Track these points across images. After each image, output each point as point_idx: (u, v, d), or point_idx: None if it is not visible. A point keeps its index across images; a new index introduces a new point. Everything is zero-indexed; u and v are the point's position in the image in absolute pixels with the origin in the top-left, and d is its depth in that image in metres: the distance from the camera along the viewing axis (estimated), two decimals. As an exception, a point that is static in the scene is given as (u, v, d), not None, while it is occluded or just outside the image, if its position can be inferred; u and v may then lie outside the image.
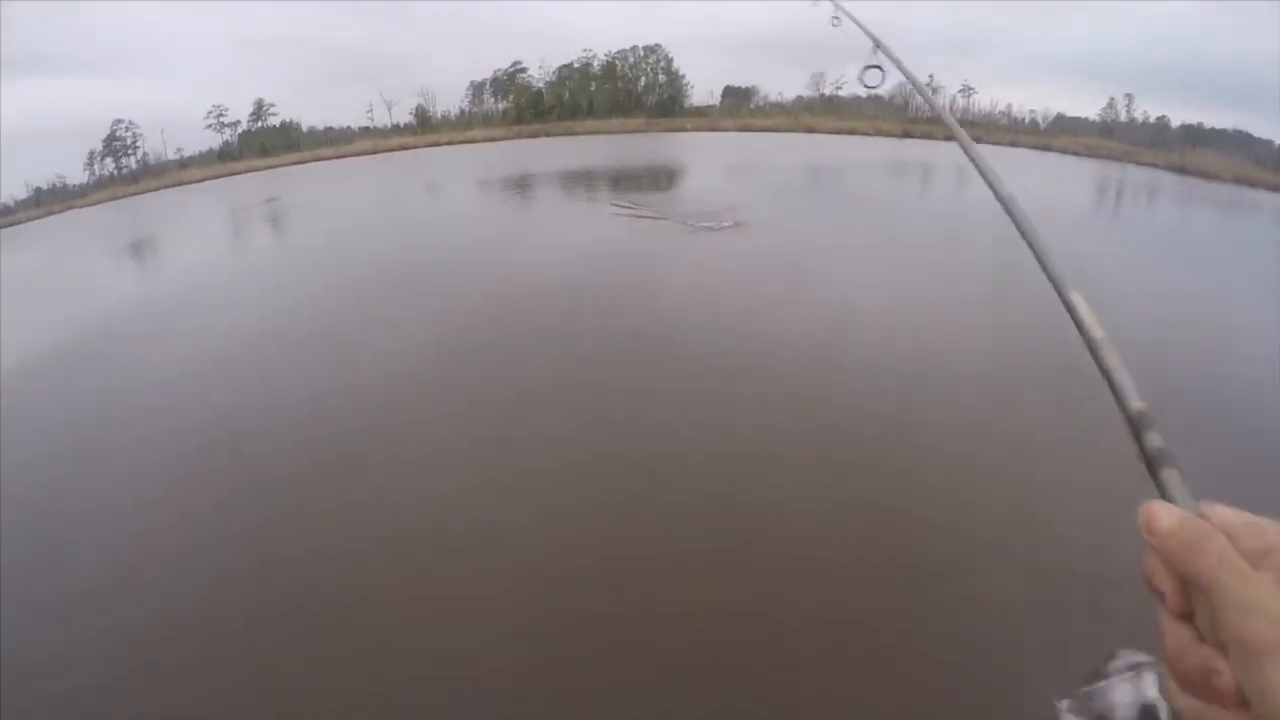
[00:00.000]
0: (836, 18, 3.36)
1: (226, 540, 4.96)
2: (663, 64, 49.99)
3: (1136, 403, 0.76)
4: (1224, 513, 0.52)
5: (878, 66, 2.47)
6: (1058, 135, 44.28)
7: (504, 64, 48.54)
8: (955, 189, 24.73)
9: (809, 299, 10.11)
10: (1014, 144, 41.64)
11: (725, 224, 14.13)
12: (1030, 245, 1.05)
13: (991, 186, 1.23)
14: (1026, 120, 48.68)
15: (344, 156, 37.90)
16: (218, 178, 36.99)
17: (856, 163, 30.26)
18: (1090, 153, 40.06)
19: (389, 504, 5.22)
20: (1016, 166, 32.34)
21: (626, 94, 48.71)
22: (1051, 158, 38.02)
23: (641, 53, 49.60)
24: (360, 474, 5.69)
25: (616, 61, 49.56)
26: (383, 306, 9.98)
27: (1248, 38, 54.02)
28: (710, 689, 3.57)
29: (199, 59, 58.46)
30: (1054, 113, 49.07)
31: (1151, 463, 0.68)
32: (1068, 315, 0.91)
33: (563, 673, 3.72)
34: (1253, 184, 32.00)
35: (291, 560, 4.66)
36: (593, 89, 48.40)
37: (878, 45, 2.29)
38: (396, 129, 44.93)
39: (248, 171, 37.05)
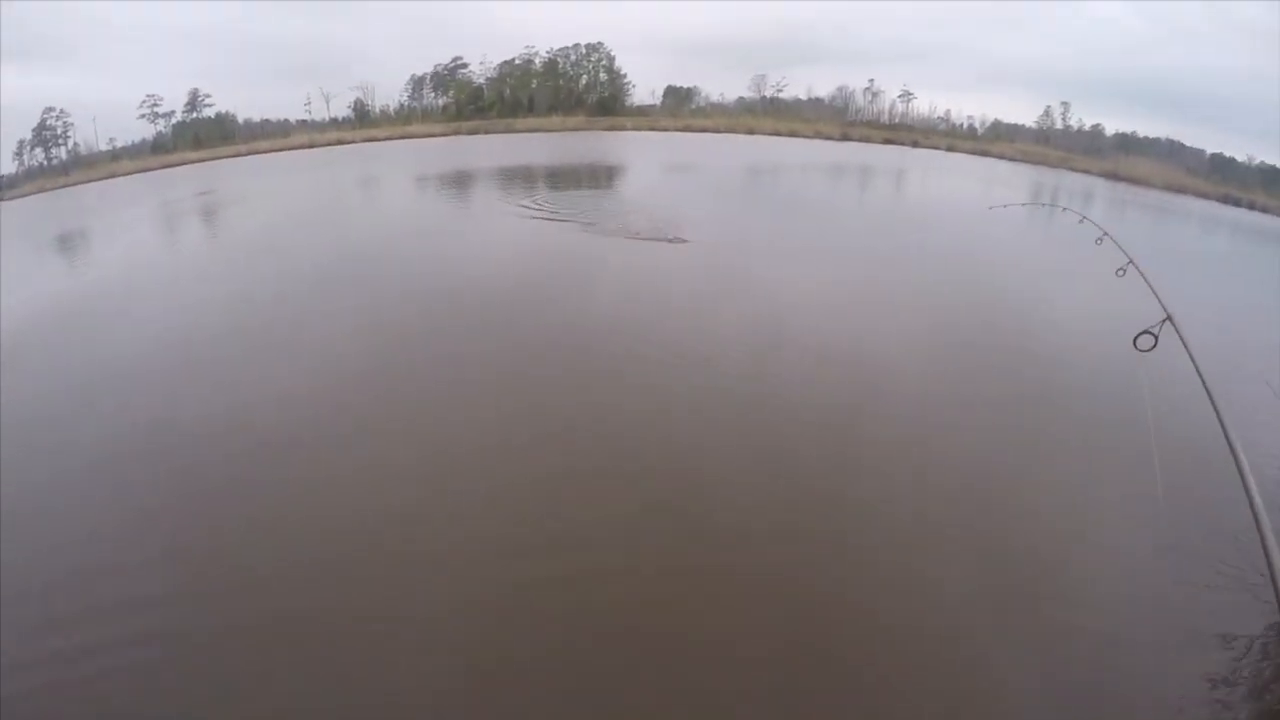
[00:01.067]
0: (1122, 270, 3.95)
1: (155, 543, 4.71)
2: (605, 62, 50.13)
3: None
4: None
5: (1155, 334, 2.94)
6: (995, 141, 46.07)
7: (445, 59, 48.07)
8: (893, 190, 25.98)
9: (743, 299, 10.11)
10: (951, 149, 43.24)
11: (666, 237, 13.13)
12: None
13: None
14: (965, 126, 50.47)
15: (280, 150, 37.14)
16: (151, 170, 35.86)
17: (796, 164, 30.75)
18: (1026, 158, 41.77)
19: (321, 502, 5.08)
20: (955, 170, 34.04)
21: (568, 92, 48.57)
22: (988, 162, 39.51)
23: (584, 50, 49.68)
24: (290, 472, 5.49)
25: (558, 59, 49.52)
26: (312, 304, 9.70)
27: (1182, 51, 57.43)
28: (646, 670, 3.68)
29: (134, 48, 56.03)
30: (991, 119, 50.87)
31: None
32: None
33: (508, 653, 3.77)
34: (1182, 190, 34.49)
35: (227, 563, 4.49)
36: (534, 86, 48.12)
37: (1168, 317, 2.69)
38: (334, 123, 43.91)
39: (181, 164, 36.00)
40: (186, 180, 26.11)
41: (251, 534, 4.72)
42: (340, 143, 38.85)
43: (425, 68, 48.23)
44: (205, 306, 9.69)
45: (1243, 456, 1.97)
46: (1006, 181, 31.33)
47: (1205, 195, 33.76)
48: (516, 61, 48.95)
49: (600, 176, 24.26)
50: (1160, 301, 2.58)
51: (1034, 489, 5.67)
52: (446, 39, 61.89)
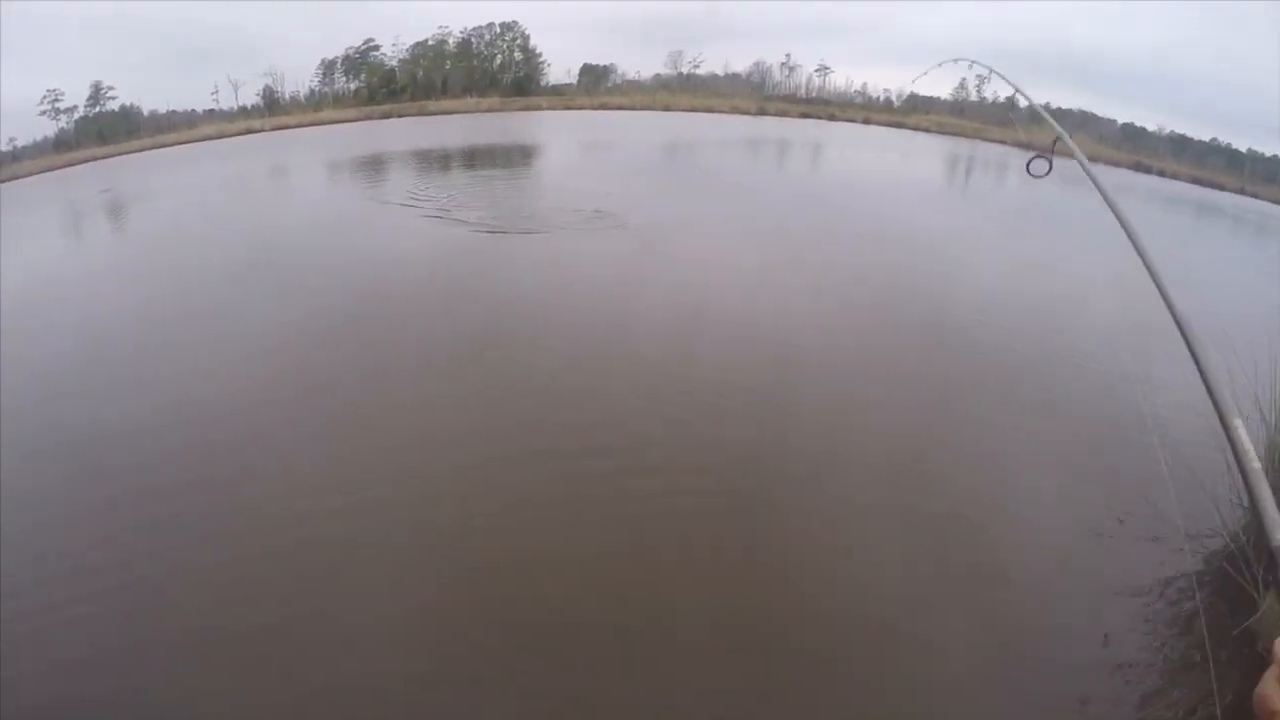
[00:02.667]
0: (1015, 111, 4.10)
1: (79, 550, 4.61)
2: (519, 42, 49.46)
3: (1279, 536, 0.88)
4: None
5: (1046, 158, 3.13)
6: (910, 114, 46.74)
7: (357, 42, 46.76)
8: (810, 164, 26.54)
9: (665, 281, 10.28)
10: (868, 121, 43.88)
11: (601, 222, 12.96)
12: (1202, 373, 1.29)
13: (1164, 298, 1.62)
14: (881, 99, 51.05)
15: (188, 142, 36.12)
16: (54, 169, 34.71)
17: (714, 139, 30.96)
18: (941, 130, 42.62)
19: (252, 501, 5.06)
20: (873, 142, 34.68)
21: (482, 72, 47.81)
22: (904, 134, 40.26)
23: (498, 30, 48.92)
24: (205, 486, 5.29)
25: (472, 39, 48.76)
26: (220, 305, 9.41)
27: (1096, 27, 58.77)
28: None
29: (30, 41, 53.58)
30: (908, 92, 51.60)
31: None
32: (1225, 440, 1.14)
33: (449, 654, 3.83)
34: (1095, 159, 35.41)
35: (151, 581, 4.36)
36: (447, 67, 47.30)
37: (1060, 137, 2.89)
38: (243, 111, 42.24)
39: (85, 161, 34.90)
40: (90, 178, 25.01)
41: (180, 535, 4.74)
42: (250, 132, 37.66)
43: (336, 51, 46.84)
44: (103, 312, 9.55)
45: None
46: (923, 150, 32.05)
47: (1117, 163, 34.77)
48: (430, 43, 48.12)
49: (517, 157, 24.11)
50: (1052, 122, 2.80)
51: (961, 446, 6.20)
52: (358, 21, 60.14)
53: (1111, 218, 2.68)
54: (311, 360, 7.54)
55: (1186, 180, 34.45)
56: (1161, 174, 35.12)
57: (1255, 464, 1.02)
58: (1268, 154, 39.81)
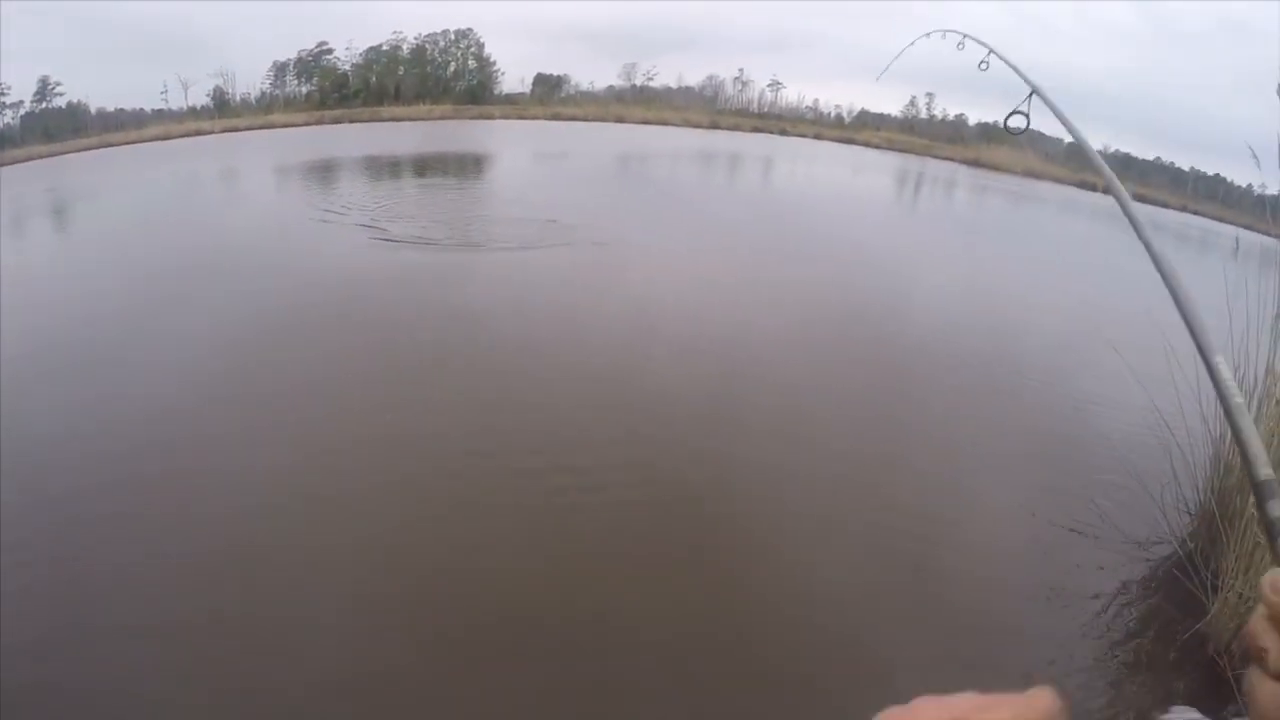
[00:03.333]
0: (985, 63, 4.05)
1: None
2: (474, 49, 49.41)
3: (1265, 471, 0.84)
4: None
5: (1024, 112, 3.11)
6: (860, 129, 47.56)
7: (310, 44, 46.26)
8: (760, 178, 26.74)
9: (611, 293, 10.16)
10: (819, 136, 44.69)
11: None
12: (1182, 311, 1.21)
13: (1148, 247, 1.54)
14: (832, 115, 51.85)
15: (134, 143, 35.35)
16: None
17: (666, 152, 31.04)
18: (891, 146, 43.53)
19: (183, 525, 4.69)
20: (823, 158, 35.08)
21: (436, 79, 47.75)
22: (855, 150, 40.82)
23: (453, 37, 48.81)
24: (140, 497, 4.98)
25: (427, 45, 48.56)
26: (157, 309, 8.90)
27: (1044, 47, 60.24)
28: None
29: None
30: (859, 108, 52.47)
31: (1272, 529, 0.77)
32: (1209, 378, 1.05)
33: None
34: (1040, 176, 36.44)
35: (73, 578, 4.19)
36: (401, 73, 47.07)
37: (1035, 91, 2.87)
38: (192, 112, 41.23)
39: (29, 160, 33.92)
40: (35, 176, 23.94)
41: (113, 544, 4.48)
42: (199, 134, 36.93)
43: (289, 53, 46.23)
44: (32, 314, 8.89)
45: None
46: (873, 165, 32.51)
47: (1062, 180, 35.69)
48: (384, 48, 47.77)
49: (466, 166, 23.96)
50: (1024, 77, 2.74)
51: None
52: (312, 22, 59.58)
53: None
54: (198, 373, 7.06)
55: (1130, 198, 35.33)
56: (1106, 192, 35.92)
57: (1238, 399, 0.95)
58: (1209, 173, 41.19)
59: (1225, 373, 1.01)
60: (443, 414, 6.31)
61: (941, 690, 0.53)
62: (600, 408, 6.52)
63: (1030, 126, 2.70)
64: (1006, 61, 3.06)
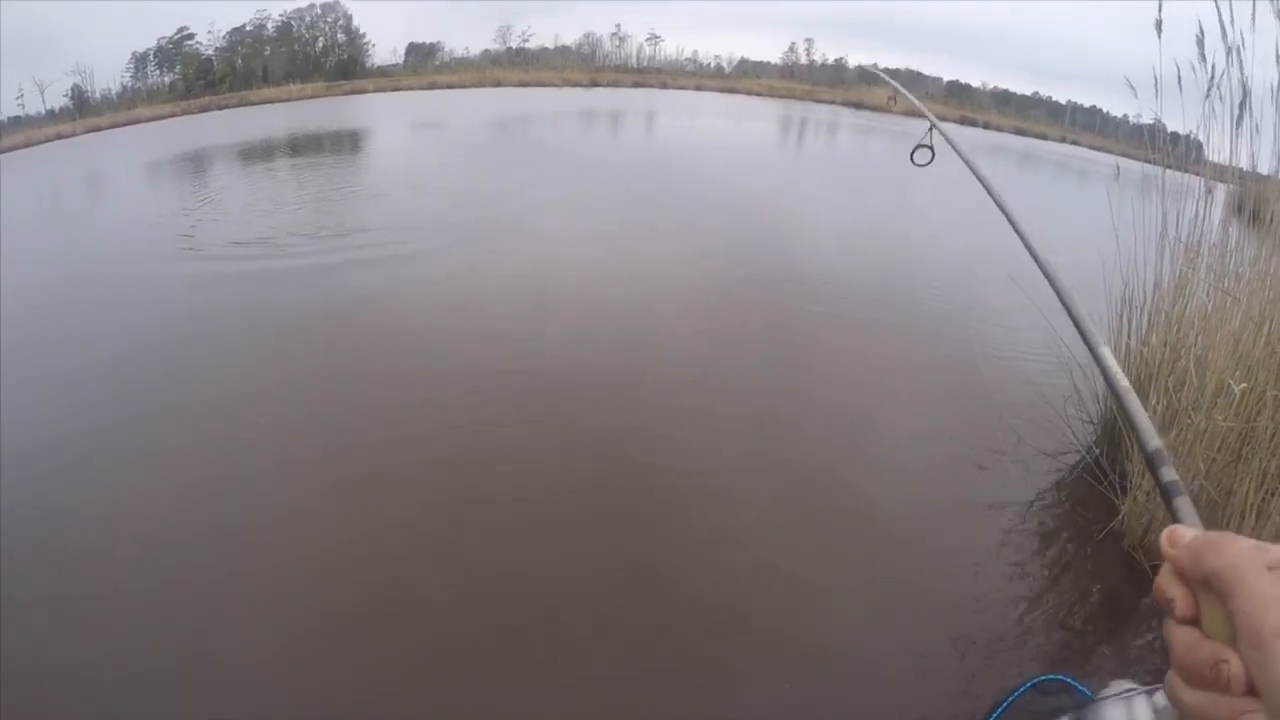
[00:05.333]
0: (893, 98, 4.24)
1: None
2: (342, 22, 48.06)
3: (1154, 442, 0.93)
4: (1231, 535, 0.58)
5: (929, 146, 3.24)
6: (742, 79, 47.86)
7: (170, 31, 43.80)
8: (645, 132, 26.93)
9: (496, 258, 10.01)
10: (700, 88, 44.85)
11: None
12: (1066, 306, 1.30)
13: (1028, 246, 1.66)
14: (712, 65, 51.95)
15: (-6, 155, 33.37)
16: None
17: (547, 113, 30.68)
18: (772, 93, 44.01)
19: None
20: (706, 108, 35.14)
21: (304, 57, 46.00)
22: (737, 99, 40.96)
23: (319, 10, 47.47)
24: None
25: (292, 22, 46.88)
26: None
27: None
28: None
29: None
30: (739, 57, 52.71)
31: (1166, 493, 0.83)
32: (1096, 367, 1.16)
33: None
34: (920, 116, 37.19)
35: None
36: (268, 54, 45.13)
37: (934, 125, 3.00)
38: (51, 115, 38.43)
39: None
40: None
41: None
42: (60, 137, 34.90)
43: (149, 42, 43.74)
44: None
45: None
46: (755, 113, 32.72)
47: (944, 118, 36.43)
48: (248, 28, 45.75)
49: (336, 146, 23.07)
50: (925, 112, 2.86)
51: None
52: (171, 8, 56.15)
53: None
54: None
55: (1010, 132, 36.77)
56: (986, 126, 37.39)
57: (1124, 382, 1.08)
58: (1086, 105, 42.92)
59: (1110, 361, 1.14)
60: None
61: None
62: (503, 391, 6.28)
63: (934, 160, 2.84)
64: (910, 98, 3.22)
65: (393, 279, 8.94)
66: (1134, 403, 1.02)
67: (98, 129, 34.98)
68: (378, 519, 4.59)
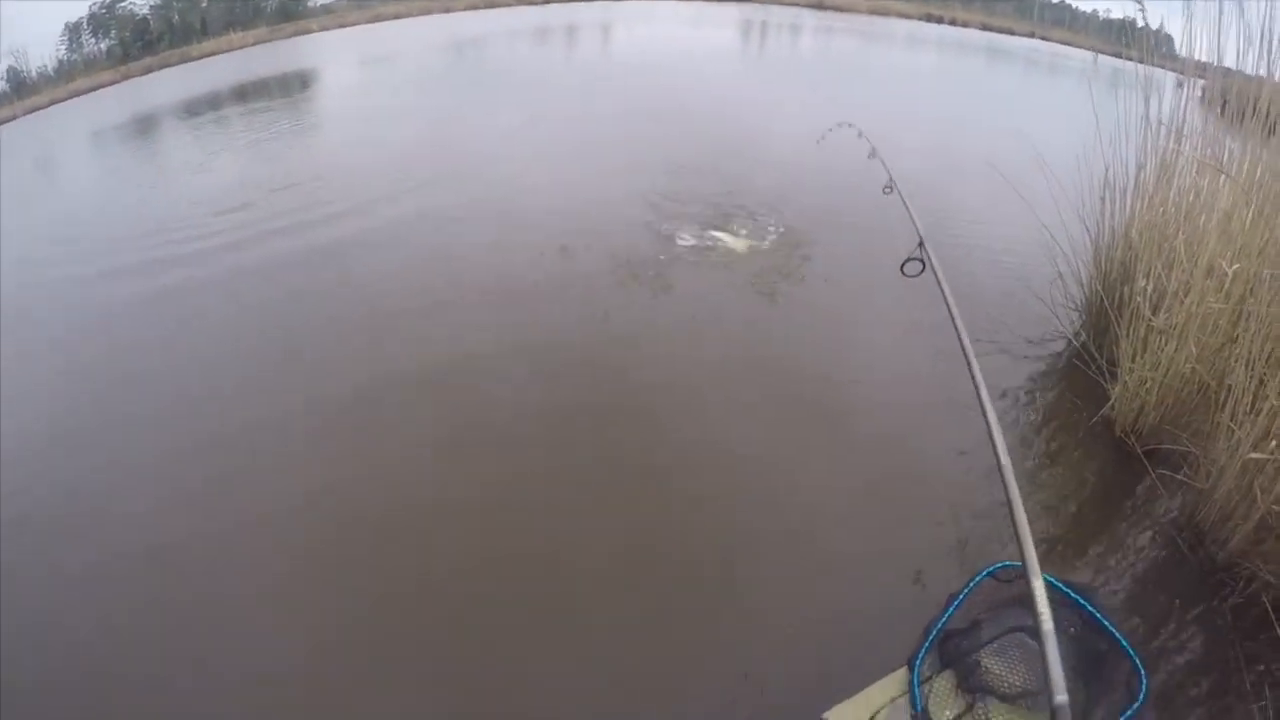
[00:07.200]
0: (889, 187, 4.23)
1: None
2: (278, -37, 45.88)
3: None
4: None
5: (918, 259, 3.11)
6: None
7: None
8: (600, 46, 26.31)
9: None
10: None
11: None
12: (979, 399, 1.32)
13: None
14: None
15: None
16: None
17: (499, 33, 29.68)
18: None
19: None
20: (662, 16, 34.20)
21: (243, 3, 44.19)
22: (695, 4, 39.46)
23: (252, -47, 45.27)
24: None
25: (227, -34, 44.72)
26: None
27: None
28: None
29: None
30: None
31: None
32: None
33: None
34: (886, 13, 36.83)
35: None
36: (205, 5, 43.43)
37: (922, 242, 2.87)
38: None
39: None
40: None
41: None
42: (2, 122, 33.81)
43: (80, 10, 42.29)
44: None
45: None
46: (713, 19, 32.03)
47: (907, 15, 36.27)
48: (182, -20, 43.91)
49: (288, 89, 21.60)
50: (914, 223, 2.78)
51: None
52: None
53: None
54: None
55: (977, 28, 36.14)
56: (953, 23, 36.70)
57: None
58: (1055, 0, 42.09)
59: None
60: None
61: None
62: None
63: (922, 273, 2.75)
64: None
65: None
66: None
67: (38, 108, 33.75)
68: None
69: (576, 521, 3.94)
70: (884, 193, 4.34)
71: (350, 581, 3.66)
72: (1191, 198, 4.30)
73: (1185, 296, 3.78)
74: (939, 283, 2.11)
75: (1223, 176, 4.06)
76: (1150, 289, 4.02)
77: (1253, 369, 3.23)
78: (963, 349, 1.55)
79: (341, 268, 7.33)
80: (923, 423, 4.67)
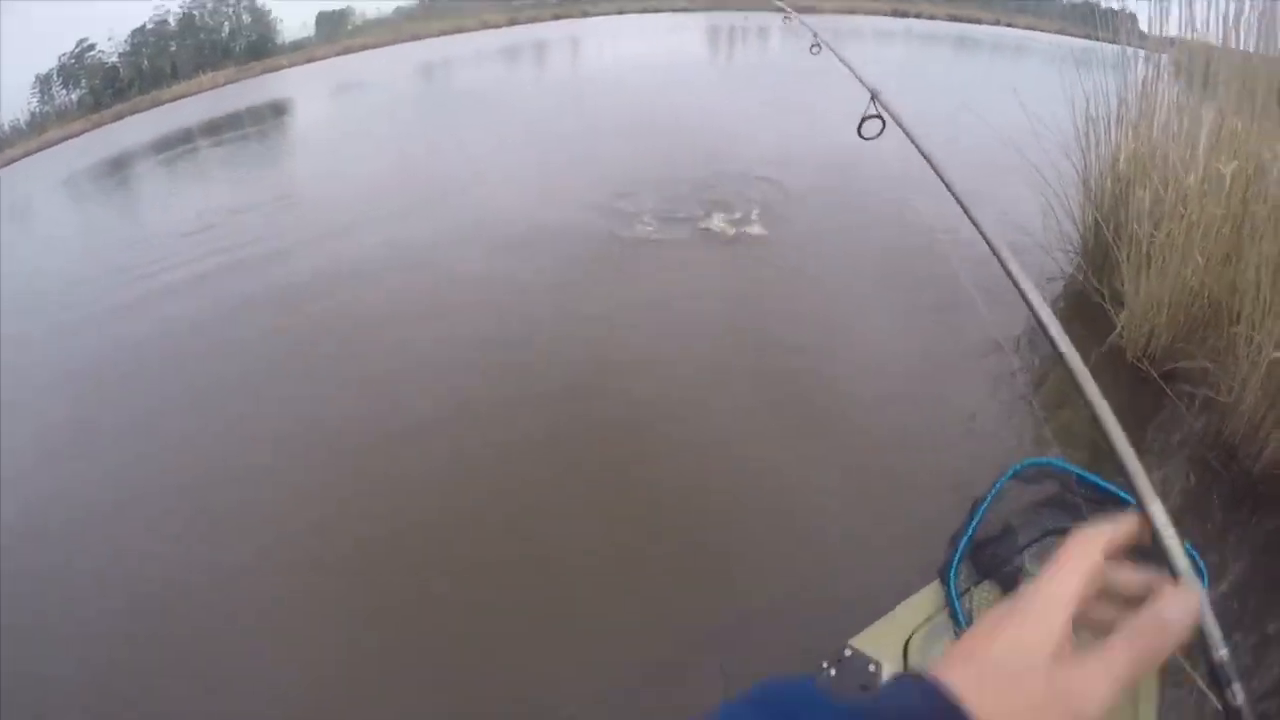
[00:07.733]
0: (816, 46, 4.10)
1: None
2: (245, 4, 46.54)
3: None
4: None
5: (878, 116, 3.03)
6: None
7: (70, 46, 42.56)
8: (571, 62, 26.58)
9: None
10: (622, 11, 43.47)
11: None
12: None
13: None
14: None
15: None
16: None
17: (468, 57, 30.07)
18: (699, 5, 42.12)
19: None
20: (630, 31, 34.43)
21: (212, 45, 44.54)
22: (663, 16, 39.58)
23: (218, -4, 45.30)
24: None
25: (194, 12, 45.40)
26: None
27: None
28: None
29: None
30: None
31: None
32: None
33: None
34: (854, 11, 37.21)
35: None
36: (173, 49, 43.75)
37: (875, 98, 2.82)
38: None
39: None
40: None
41: None
42: None
43: (49, 61, 42.56)
44: None
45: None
46: (682, 28, 32.19)
47: (876, 12, 36.75)
48: (149, 27, 44.29)
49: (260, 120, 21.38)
50: (861, 80, 2.68)
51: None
52: (70, 23, 53.73)
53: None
54: None
55: (944, 19, 36.55)
56: (919, 16, 37.15)
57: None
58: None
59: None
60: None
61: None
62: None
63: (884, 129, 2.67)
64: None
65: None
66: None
67: (12, 161, 33.65)
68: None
69: (575, 525, 3.84)
70: (811, 53, 4.13)
71: (347, 594, 3.57)
72: (1178, 124, 4.18)
73: (1185, 208, 3.67)
74: (906, 134, 1.94)
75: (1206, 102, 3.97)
76: (1148, 202, 3.92)
77: (1266, 269, 3.12)
78: (959, 204, 1.39)
79: (319, 294, 7.05)
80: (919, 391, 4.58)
